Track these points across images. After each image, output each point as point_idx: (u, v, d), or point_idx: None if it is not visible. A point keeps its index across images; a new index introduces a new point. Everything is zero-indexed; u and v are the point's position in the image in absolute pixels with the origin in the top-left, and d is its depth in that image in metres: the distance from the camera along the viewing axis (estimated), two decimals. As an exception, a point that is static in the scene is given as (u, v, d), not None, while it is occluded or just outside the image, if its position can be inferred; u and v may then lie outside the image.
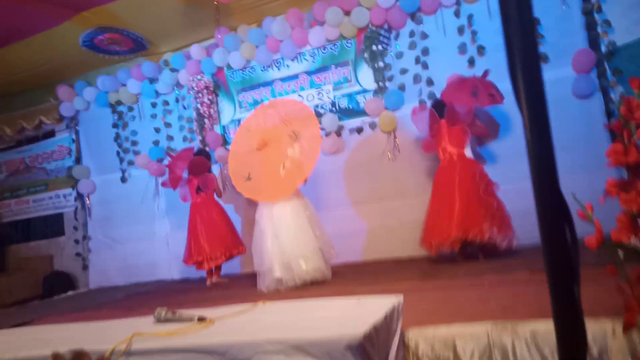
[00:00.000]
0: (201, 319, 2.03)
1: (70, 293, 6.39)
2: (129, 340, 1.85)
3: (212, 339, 1.79)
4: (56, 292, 6.31)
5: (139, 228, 6.47)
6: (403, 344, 2.09)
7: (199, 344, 1.78)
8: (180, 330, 1.92)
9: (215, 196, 5.35)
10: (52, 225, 7.23)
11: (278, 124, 4.40)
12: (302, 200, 4.33)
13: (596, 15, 4.43)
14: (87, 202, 6.88)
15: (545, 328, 1.87)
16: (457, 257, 4.14)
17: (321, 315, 1.99)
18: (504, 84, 4.43)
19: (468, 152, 4.30)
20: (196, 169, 5.21)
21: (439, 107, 4.41)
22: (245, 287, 4.51)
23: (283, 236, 4.10)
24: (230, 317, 2.12)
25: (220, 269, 5.22)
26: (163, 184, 5.57)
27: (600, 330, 1.80)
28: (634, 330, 1.65)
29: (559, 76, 4.40)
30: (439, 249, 4.14)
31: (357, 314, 1.87)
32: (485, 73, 4.39)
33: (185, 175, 5.28)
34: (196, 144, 6.10)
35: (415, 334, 2.12)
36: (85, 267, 6.84)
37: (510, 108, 4.48)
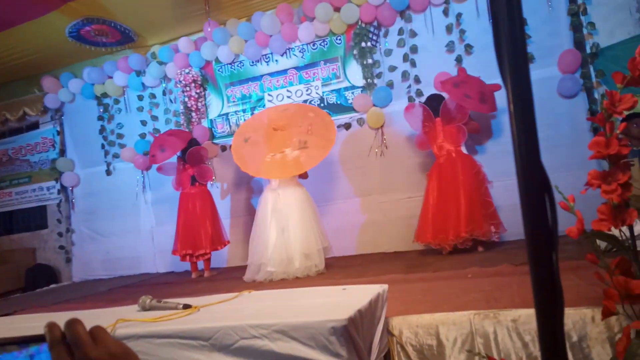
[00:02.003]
0: (186, 307, 2.03)
1: (53, 286, 6.32)
2: (114, 326, 1.84)
3: (196, 325, 1.79)
4: (39, 285, 6.22)
5: (124, 221, 6.42)
6: (387, 331, 2.11)
7: (184, 330, 1.78)
8: (165, 317, 1.92)
9: (208, 186, 5.34)
10: (35, 218, 7.14)
11: (296, 116, 4.55)
12: (304, 191, 4.36)
13: (581, 17, 4.50)
14: (71, 195, 6.80)
15: (527, 316, 1.90)
16: (446, 249, 4.16)
17: (306, 302, 2.00)
18: (492, 81, 4.48)
19: (464, 149, 4.35)
20: (193, 158, 5.16)
21: (433, 105, 4.43)
22: (231, 279, 4.51)
23: (290, 231, 4.10)
24: (215, 304, 2.12)
25: (209, 262, 5.20)
26: (158, 169, 5.43)
27: (580, 318, 1.84)
28: (613, 317, 1.68)
29: (544, 75, 4.46)
30: (441, 245, 4.15)
31: (342, 300, 1.89)
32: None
33: (172, 156, 5.19)
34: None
35: (399, 322, 2.14)
36: (68, 260, 6.77)
37: (499, 110, 4.52)
